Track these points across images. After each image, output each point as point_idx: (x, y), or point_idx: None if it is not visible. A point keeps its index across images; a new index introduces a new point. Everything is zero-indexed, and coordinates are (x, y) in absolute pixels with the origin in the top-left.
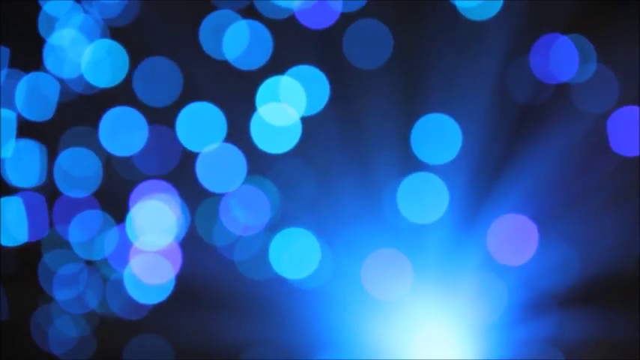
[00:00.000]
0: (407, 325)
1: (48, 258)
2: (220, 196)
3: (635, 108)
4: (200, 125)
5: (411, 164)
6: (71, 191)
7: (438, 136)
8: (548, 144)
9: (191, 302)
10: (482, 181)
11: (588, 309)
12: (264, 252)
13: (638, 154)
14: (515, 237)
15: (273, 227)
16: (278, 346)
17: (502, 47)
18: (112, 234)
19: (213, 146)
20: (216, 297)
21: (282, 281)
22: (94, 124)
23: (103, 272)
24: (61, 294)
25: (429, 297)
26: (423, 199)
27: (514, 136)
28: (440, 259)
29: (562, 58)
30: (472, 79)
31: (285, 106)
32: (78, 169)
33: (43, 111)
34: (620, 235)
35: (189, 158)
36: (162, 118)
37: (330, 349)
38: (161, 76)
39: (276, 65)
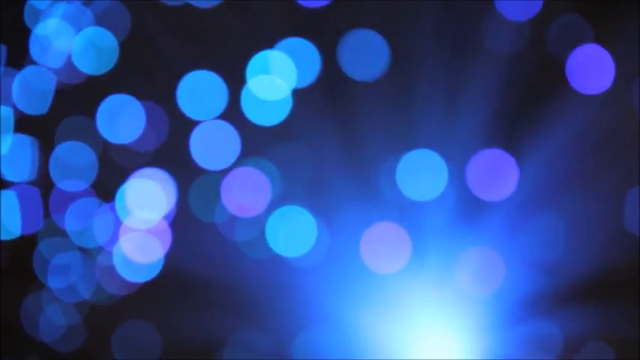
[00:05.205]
0: (405, 304)
1: (42, 247)
2: (216, 174)
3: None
4: (201, 94)
5: (410, 140)
6: (67, 182)
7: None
8: (550, 130)
9: (182, 284)
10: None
11: (588, 307)
12: (260, 230)
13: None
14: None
15: (269, 206)
16: (272, 326)
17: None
18: (107, 220)
19: (215, 115)
20: (209, 278)
21: (278, 259)
22: (89, 113)
23: (95, 257)
24: (54, 282)
25: (427, 276)
26: (422, 176)
27: (515, 121)
28: (439, 236)
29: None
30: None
31: (276, 79)
32: (73, 160)
33: (36, 104)
34: (619, 232)
35: (181, 136)
36: (156, 97)
37: (325, 327)
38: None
39: (267, 40)
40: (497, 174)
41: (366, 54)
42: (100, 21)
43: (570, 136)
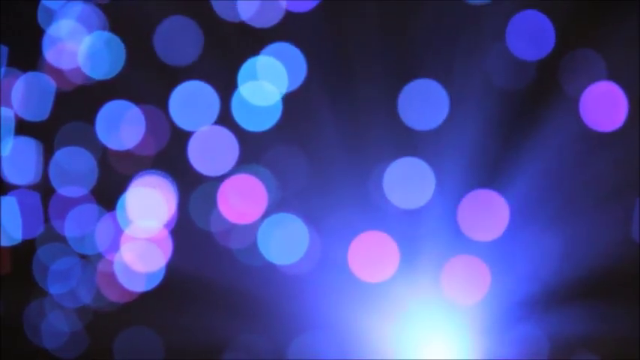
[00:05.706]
0: (399, 307)
1: (42, 253)
2: (213, 182)
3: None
4: (193, 104)
5: (402, 149)
6: (67, 188)
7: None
8: (543, 136)
9: (183, 291)
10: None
11: (587, 306)
12: (257, 238)
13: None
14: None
15: (263, 214)
16: (267, 333)
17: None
18: (107, 227)
19: (206, 126)
20: (207, 286)
21: (271, 267)
22: (89, 118)
23: (95, 264)
24: (55, 288)
25: (417, 284)
26: (411, 184)
27: (509, 127)
28: (428, 244)
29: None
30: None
31: (266, 84)
32: (73, 165)
33: (39, 109)
34: (619, 231)
35: (179, 143)
36: (155, 102)
37: (322, 330)
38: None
39: (257, 45)
40: (489, 212)
41: (362, 61)
42: (106, 26)
43: (568, 141)
